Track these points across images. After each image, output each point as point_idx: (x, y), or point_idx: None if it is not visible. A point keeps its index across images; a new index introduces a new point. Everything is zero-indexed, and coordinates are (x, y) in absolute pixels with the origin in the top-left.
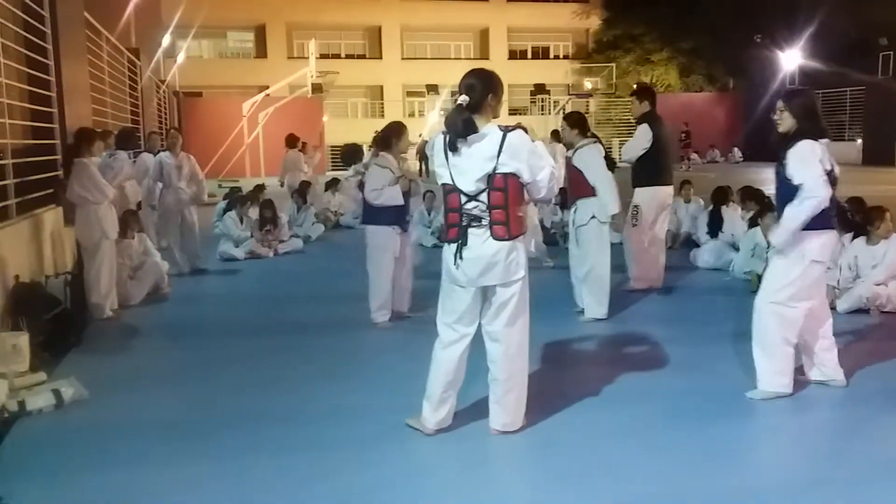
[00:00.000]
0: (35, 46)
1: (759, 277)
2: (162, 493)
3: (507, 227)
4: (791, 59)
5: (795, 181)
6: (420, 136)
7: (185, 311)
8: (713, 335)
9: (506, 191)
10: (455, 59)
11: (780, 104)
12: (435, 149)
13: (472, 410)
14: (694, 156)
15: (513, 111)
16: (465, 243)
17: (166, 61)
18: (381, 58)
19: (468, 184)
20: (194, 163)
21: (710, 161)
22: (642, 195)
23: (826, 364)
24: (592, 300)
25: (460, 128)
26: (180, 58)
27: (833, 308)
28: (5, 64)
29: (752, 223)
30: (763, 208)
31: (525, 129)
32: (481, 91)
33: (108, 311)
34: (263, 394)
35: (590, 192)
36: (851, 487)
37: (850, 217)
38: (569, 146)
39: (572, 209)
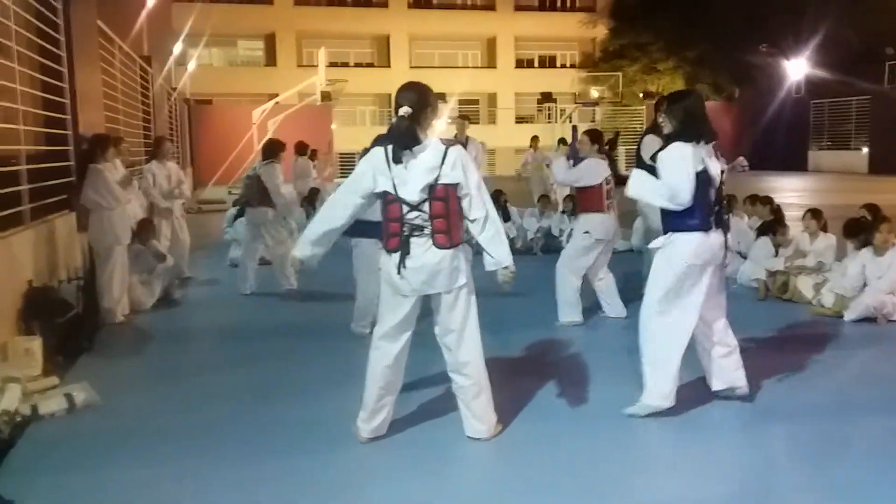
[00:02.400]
0: (49, 54)
1: (767, 286)
2: (173, 497)
3: (448, 235)
4: (797, 68)
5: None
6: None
7: (196, 316)
8: None
9: (447, 201)
10: (463, 67)
11: (662, 107)
12: (373, 160)
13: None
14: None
15: (520, 119)
16: (407, 252)
17: (177, 69)
18: (389, 66)
19: (412, 193)
20: (179, 170)
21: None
22: None
23: (725, 371)
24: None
25: (407, 138)
26: (191, 66)
27: (840, 316)
28: (20, 71)
29: (761, 232)
30: (775, 220)
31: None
32: (422, 104)
33: (120, 316)
34: (275, 398)
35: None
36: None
37: (863, 223)
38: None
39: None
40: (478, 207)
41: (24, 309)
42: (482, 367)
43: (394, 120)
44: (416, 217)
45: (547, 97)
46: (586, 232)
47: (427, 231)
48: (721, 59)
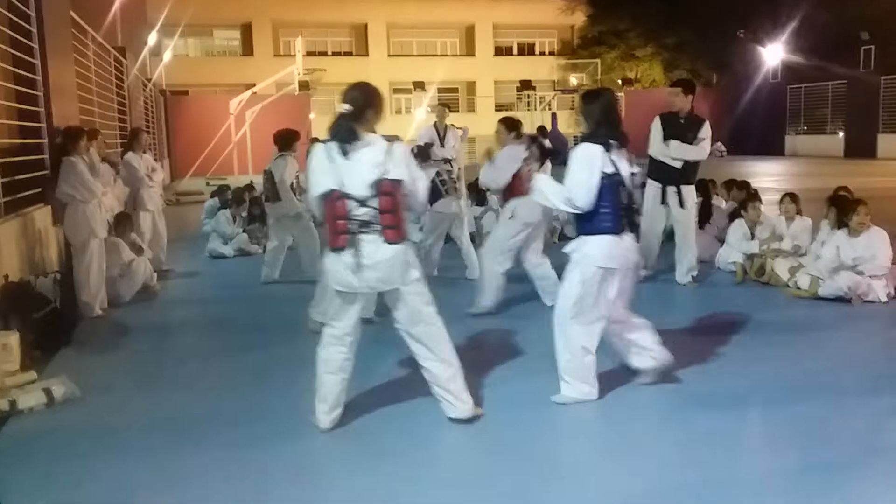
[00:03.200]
0: (21, 45)
1: (745, 269)
2: (154, 490)
3: (397, 230)
4: (773, 53)
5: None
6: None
7: (174, 309)
8: (683, 328)
9: (394, 195)
10: (441, 55)
11: (579, 107)
12: (315, 158)
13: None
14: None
15: (499, 107)
16: (358, 250)
17: (152, 60)
18: (367, 55)
19: (359, 189)
20: (154, 161)
21: None
22: (694, 192)
23: (644, 349)
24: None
25: (344, 135)
26: (167, 56)
27: (816, 298)
28: None
29: (734, 215)
30: (746, 198)
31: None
32: (363, 103)
33: (98, 310)
34: (255, 391)
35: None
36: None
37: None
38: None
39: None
40: (419, 200)
41: (1, 304)
42: (453, 350)
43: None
44: (365, 213)
45: (526, 85)
46: (511, 217)
47: (375, 227)
48: (699, 45)
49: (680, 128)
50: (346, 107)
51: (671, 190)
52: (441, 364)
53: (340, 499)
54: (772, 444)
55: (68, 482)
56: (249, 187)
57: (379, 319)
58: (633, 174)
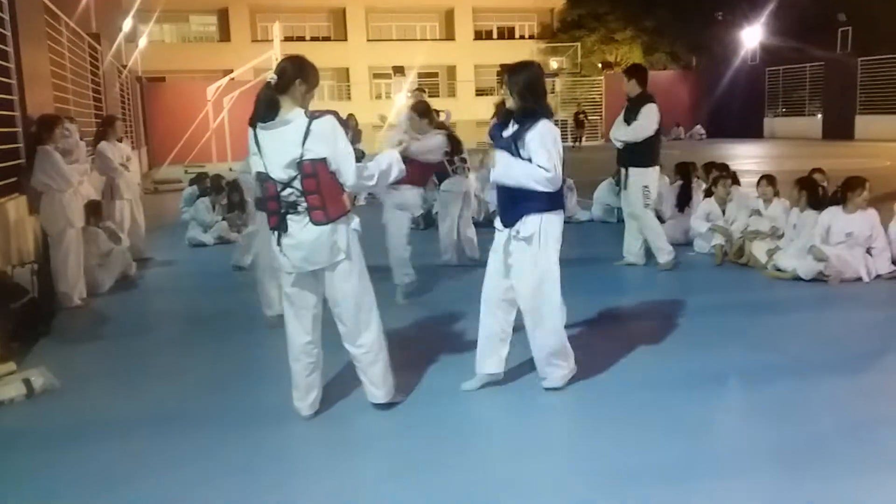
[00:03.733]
0: None
1: (724, 251)
2: (133, 479)
3: (324, 211)
4: (752, 35)
5: (536, 162)
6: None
7: (154, 298)
8: (660, 310)
9: (316, 176)
10: (421, 40)
11: (505, 80)
12: (249, 139)
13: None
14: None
15: (479, 91)
16: (285, 230)
17: (128, 46)
18: (346, 39)
19: (278, 171)
20: (129, 150)
21: (674, 138)
22: (649, 175)
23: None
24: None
25: (262, 106)
26: (142, 42)
27: (797, 279)
28: None
29: (707, 194)
30: (717, 176)
31: (338, 116)
32: (291, 75)
33: (77, 300)
34: (236, 380)
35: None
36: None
37: (820, 190)
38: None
39: None
40: (347, 178)
41: None
42: (376, 337)
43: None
44: (290, 194)
45: None
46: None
47: (302, 208)
48: (678, 28)
49: (627, 111)
50: (272, 76)
51: (624, 172)
52: (358, 349)
53: (318, 486)
54: (748, 422)
55: (48, 472)
56: (218, 177)
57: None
58: None
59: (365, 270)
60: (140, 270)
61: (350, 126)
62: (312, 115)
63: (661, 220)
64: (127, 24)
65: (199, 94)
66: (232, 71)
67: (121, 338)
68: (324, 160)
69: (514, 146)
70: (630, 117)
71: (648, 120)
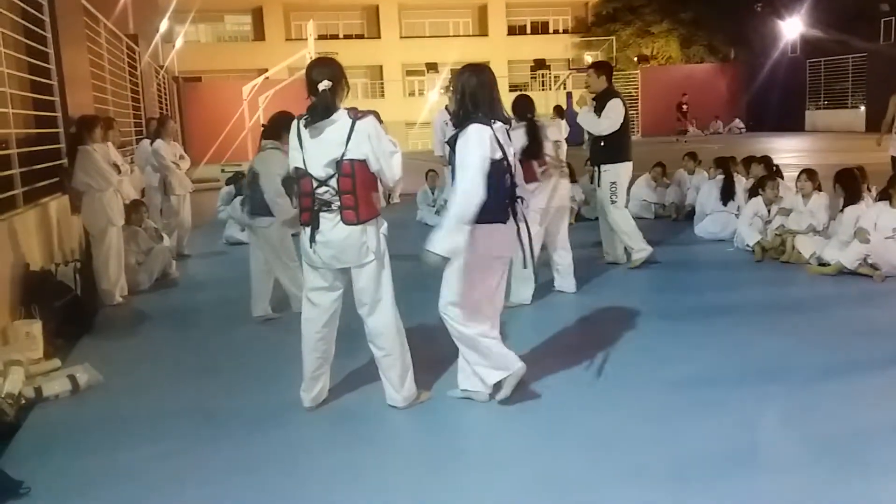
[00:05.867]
0: (34, 35)
1: (764, 248)
2: (176, 474)
3: (356, 211)
4: (792, 27)
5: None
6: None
7: (193, 296)
8: (703, 308)
9: (353, 176)
10: (454, 36)
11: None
12: (291, 135)
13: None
14: (690, 128)
15: (513, 87)
16: (317, 227)
17: (164, 47)
18: (379, 37)
19: (318, 169)
20: (180, 148)
21: (713, 132)
22: (616, 171)
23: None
24: None
25: (319, 113)
26: (178, 43)
27: (840, 273)
28: (5, 53)
29: (752, 193)
30: (765, 176)
31: (378, 116)
32: (339, 76)
33: (118, 298)
34: (275, 375)
35: None
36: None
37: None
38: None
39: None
40: (394, 173)
41: (23, 293)
42: (396, 339)
43: (312, 96)
44: (325, 192)
45: (540, 64)
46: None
47: (335, 207)
48: (715, 20)
49: (595, 109)
50: (326, 83)
51: (596, 170)
52: (379, 350)
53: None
54: (795, 419)
55: (95, 467)
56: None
57: None
58: (514, 154)
59: (389, 273)
60: (179, 268)
61: None
62: (356, 116)
63: (693, 215)
64: (163, 25)
65: (235, 94)
66: (266, 70)
67: (161, 334)
68: (363, 161)
69: (452, 152)
70: (597, 113)
71: (615, 113)
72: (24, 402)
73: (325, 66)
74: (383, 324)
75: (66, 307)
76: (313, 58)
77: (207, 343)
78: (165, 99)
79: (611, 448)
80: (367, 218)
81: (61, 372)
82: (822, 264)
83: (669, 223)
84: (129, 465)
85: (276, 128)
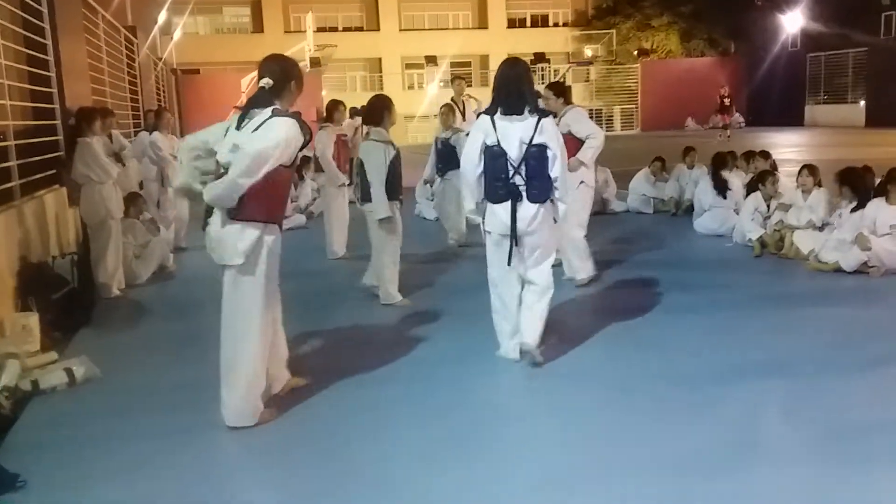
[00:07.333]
0: (32, 26)
1: (763, 244)
2: (174, 469)
3: (242, 210)
4: (793, 21)
5: None
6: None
7: (191, 288)
8: (701, 302)
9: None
10: (454, 29)
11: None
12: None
13: None
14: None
15: None
16: (209, 215)
17: (163, 38)
18: (378, 29)
19: (221, 155)
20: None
21: (711, 127)
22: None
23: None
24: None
25: (248, 105)
26: (177, 34)
27: (839, 270)
28: (3, 44)
29: (751, 188)
30: (765, 171)
31: (299, 116)
32: (284, 80)
33: (116, 290)
34: None
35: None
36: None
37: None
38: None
39: None
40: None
41: (20, 285)
42: (236, 352)
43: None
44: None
45: (540, 57)
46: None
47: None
48: (716, 13)
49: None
50: (266, 80)
51: None
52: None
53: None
54: (792, 414)
55: (91, 460)
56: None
57: None
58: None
59: (251, 289)
60: (176, 261)
61: (335, 119)
62: (278, 114)
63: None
64: (162, 17)
65: (234, 86)
66: None
67: (158, 327)
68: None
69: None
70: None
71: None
72: (20, 394)
73: (271, 63)
74: (228, 333)
75: (64, 300)
76: (312, 50)
77: (205, 336)
78: (164, 91)
79: (612, 442)
80: (247, 218)
81: (58, 365)
82: (821, 262)
83: (668, 218)
84: (126, 459)
85: (378, 112)
